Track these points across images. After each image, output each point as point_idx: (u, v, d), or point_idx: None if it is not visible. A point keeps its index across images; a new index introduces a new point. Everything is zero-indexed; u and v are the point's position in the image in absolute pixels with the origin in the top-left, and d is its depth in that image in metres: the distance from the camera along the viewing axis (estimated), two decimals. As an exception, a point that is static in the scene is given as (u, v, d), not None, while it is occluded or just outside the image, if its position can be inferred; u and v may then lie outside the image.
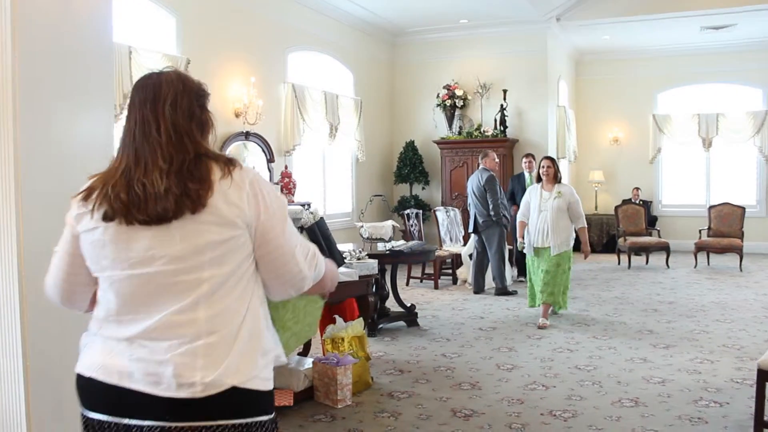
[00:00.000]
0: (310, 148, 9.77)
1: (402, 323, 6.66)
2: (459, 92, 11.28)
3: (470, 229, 8.52)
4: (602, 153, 13.50)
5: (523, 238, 6.86)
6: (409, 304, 6.75)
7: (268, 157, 8.65)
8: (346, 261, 4.68)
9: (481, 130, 11.08)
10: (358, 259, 4.72)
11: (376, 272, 4.80)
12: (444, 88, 11.36)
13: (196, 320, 1.61)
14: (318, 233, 4.41)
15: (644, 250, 10.81)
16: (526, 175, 9.44)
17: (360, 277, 4.53)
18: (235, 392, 1.61)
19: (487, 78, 11.27)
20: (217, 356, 1.60)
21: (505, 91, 10.98)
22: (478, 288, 8.46)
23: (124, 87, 6.40)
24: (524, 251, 6.91)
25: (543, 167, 6.77)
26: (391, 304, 6.76)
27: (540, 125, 11.24)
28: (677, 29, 11.54)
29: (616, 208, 11.37)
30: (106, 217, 1.62)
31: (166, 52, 7.03)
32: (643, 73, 13.09)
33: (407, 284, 9.18)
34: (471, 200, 8.51)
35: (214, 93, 7.73)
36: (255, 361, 1.66)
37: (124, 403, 1.62)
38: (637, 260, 11.07)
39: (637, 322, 6.69)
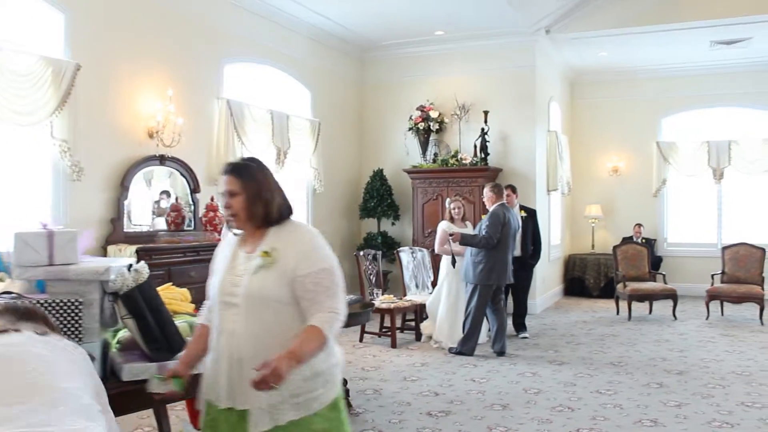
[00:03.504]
0: (253, 176, 8.30)
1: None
2: (434, 114, 9.84)
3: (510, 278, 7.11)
4: (600, 185, 12.00)
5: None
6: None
7: (192, 187, 7.18)
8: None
9: (459, 157, 9.61)
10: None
11: None
12: (417, 109, 9.93)
13: None
14: (141, 302, 2.92)
15: (647, 297, 9.25)
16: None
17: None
18: None
19: (467, 98, 9.84)
20: None
21: (486, 113, 9.53)
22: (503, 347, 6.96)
23: (-28, 94, 4.99)
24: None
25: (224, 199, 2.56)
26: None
27: (527, 152, 9.77)
28: (684, 44, 10.11)
29: (615, 248, 9.84)
30: None
31: (45, 54, 5.60)
32: (645, 95, 11.65)
33: (361, 340, 7.63)
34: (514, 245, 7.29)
35: (120, 107, 6.28)
36: None
37: None
38: (640, 308, 9.51)
39: (636, 405, 5.11)
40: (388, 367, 6.38)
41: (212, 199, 7.10)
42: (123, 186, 6.40)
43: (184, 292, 3.65)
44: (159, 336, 2.94)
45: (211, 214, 6.99)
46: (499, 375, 6.04)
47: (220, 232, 6.98)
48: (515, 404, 5.13)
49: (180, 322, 3.30)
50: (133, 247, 6.01)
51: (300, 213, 9.27)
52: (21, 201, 5.72)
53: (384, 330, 7.77)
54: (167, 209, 6.95)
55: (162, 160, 6.76)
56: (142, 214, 6.76)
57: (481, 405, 5.13)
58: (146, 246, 6.14)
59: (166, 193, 6.99)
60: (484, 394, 5.43)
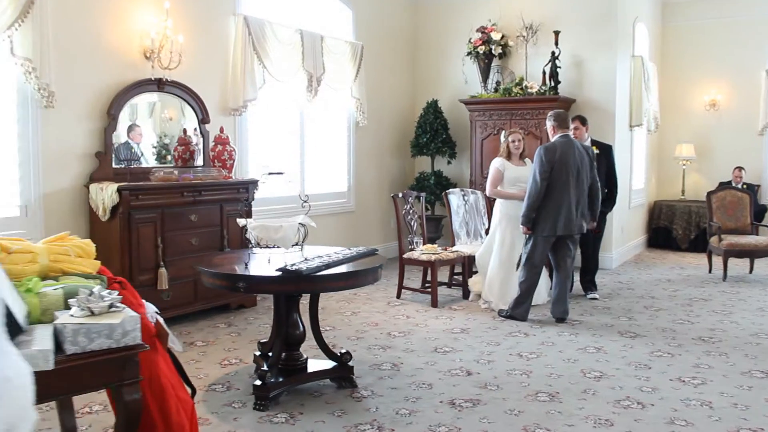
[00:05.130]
0: (279, 106, 7.25)
1: (328, 382, 4.10)
2: (496, 36, 8.46)
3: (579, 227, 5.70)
4: (694, 121, 10.32)
5: None
6: (342, 351, 4.14)
7: (200, 117, 6.18)
8: (76, 315, 2.12)
9: (524, 85, 8.23)
10: (102, 310, 2.15)
11: (137, 341, 2.20)
12: (477, 31, 8.57)
13: None
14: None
15: (748, 254, 7.74)
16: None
17: (77, 356, 1.98)
18: None
19: (535, 17, 8.39)
20: None
21: (557, 34, 8.08)
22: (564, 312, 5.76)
23: None
24: None
25: None
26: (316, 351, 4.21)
27: (606, 81, 8.27)
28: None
29: (709, 194, 8.29)
30: None
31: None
32: (753, 14, 9.79)
33: (398, 297, 6.56)
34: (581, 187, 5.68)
35: (104, 20, 4.90)
36: None
37: None
38: (738, 266, 8.04)
39: (732, 403, 3.84)
40: (419, 333, 5.29)
41: (221, 131, 6.07)
42: (110, 115, 5.44)
43: (84, 244, 2.62)
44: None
45: (220, 147, 5.99)
46: (554, 349, 4.85)
47: (230, 169, 6.00)
48: (567, 393, 3.95)
49: (48, 289, 2.28)
50: (115, 186, 5.07)
51: (340, 148, 8.20)
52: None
53: (426, 285, 6.67)
54: (171, 143, 6.05)
55: (160, 85, 5.76)
56: (137, 147, 5.86)
57: (523, 392, 3.97)
58: (132, 184, 5.19)
59: (170, 123, 6.08)
60: (530, 376, 4.27)
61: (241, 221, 3.84)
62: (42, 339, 2.03)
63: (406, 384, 4.11)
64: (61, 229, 5.19)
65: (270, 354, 4.08)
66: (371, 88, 8.34)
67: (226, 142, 6.04)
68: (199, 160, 6.09)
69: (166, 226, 5.42)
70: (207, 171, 5.88)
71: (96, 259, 2.68)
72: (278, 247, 3.72)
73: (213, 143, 6.04)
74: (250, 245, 3.83)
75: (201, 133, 6.19)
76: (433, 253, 6.36)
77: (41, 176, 5.05)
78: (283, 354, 3.95)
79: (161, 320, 2.75)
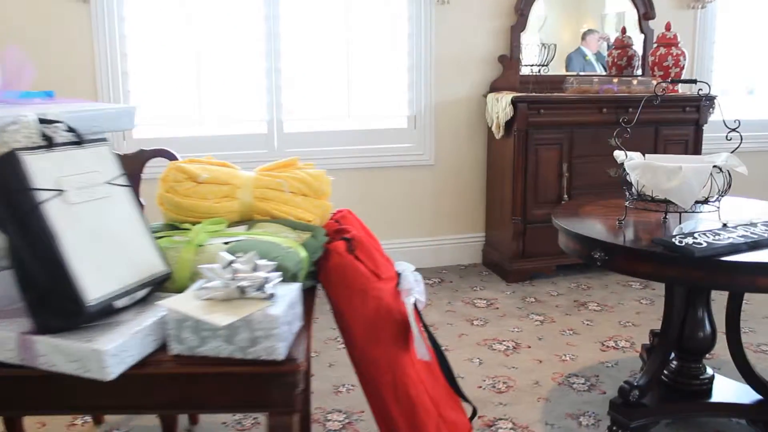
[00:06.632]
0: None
1: (742, 423, 2.58)
2: None
3: None
4: None
5: None
6: (777, 379, 2.55)
7: (642, 11, 4.76)
8: (200, 297, 1.28)
9: None
10: (227, 295, 1.22)
11: (275, 355, 1.21)
12: None
13: None
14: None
15: None
16: None
17: (183, 360, 1.16)
18: None
19: None
20: None
21: None
22: None
23: None
24: None
25: None
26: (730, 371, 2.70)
27: None
28: None
29: None
30: None
31: None
32: None
33: None
34: None
35: None
36: None
37: None
38: None
39: None
40: None
41: (667, 28, 4.56)
42: (518, 11, 4.46)
43: (311, 177, 1.73)
44: (39, 276, 1.23)
45: (662, 51, 4.51)
46: None
47: (671, 78, 4.51)
48: None
49: (217, 241, 1.50)
50: (510, 96, 4.13)
51: None
52: (377, 32, 4.38)
53: None
54: (606, 47, 4.84)
55: (587, -32, 4.54)
56: (591, 56, 4.85)
57: None
58: (532, 96, 4.17)
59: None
60: None
61: (619, 155, 2.51)
62: (126, 327, 1.26)
63: None
64: (453, 145, 4.55)
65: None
66: None
67: (673, 43, 4.51)
68: (640, 69, 4.75)
69: (575, 150, 4.30)
70: (641, 82, 4.50)
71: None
72: (670, 202, 2.30)
73: (655, 45, 4.59)
74: (628, 193, 2.47)
75: (641, 31, 4.78)
76: None
77: (433, 83, 4.41)
78: (673, 364, 2.59)
79: (419, 304, 1.77)
